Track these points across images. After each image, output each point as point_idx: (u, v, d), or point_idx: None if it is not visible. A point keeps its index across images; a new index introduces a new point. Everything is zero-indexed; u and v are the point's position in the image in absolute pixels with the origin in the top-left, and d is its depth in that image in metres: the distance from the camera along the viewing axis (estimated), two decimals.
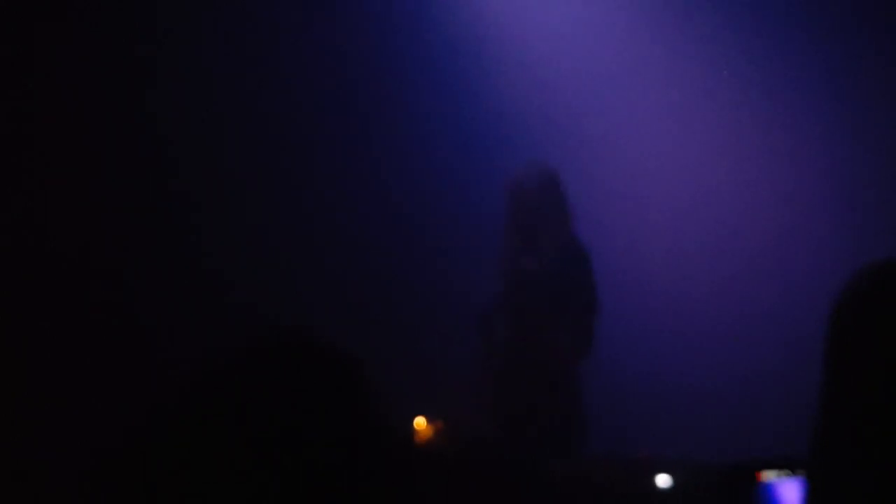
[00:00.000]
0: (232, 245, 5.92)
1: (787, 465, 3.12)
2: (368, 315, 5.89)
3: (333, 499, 1.66)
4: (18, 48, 5.67)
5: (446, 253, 6.08)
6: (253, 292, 5.72)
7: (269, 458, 1.65)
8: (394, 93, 6.25)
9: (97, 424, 4.20)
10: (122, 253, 5.76)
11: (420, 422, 4.78)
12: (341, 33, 6.20)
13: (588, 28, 6.33)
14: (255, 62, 6.09)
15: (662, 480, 4.55)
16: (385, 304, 6.05)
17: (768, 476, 3.90)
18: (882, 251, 2.02)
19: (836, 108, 6.27)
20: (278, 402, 1.69)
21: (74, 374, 5.39)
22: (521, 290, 4.88)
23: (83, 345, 5.49)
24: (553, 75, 6.31)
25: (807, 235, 6.28)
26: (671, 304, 6.25)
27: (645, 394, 6.07)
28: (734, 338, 6.16)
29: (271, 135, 6.11)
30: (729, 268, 6.35)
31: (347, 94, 6.24)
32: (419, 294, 6.11)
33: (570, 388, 4.95)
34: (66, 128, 5.74)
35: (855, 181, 6.29)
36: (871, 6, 6.29)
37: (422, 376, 5.41)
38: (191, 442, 1.67)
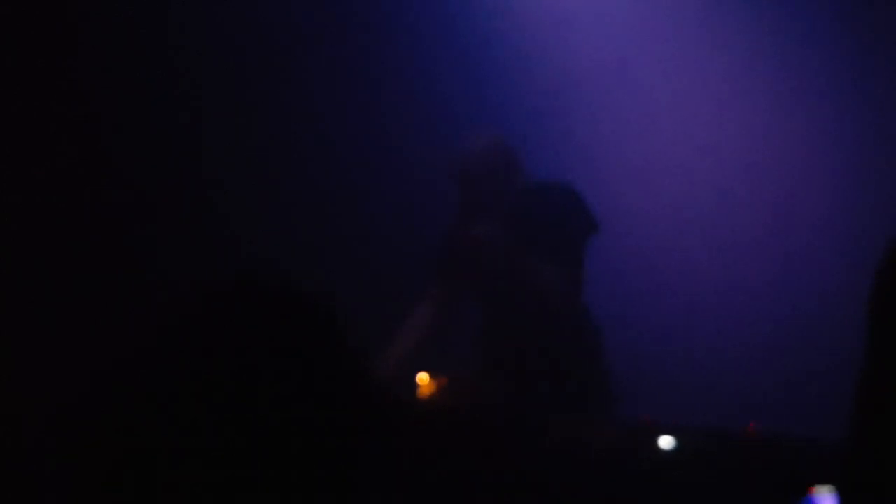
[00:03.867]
0: (222, 187, 5.92)
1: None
2: (373, 270, 5.89)
3: (319, 456, 1.62)
4: None
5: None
6: (247, 242, 5.72)
7: (247, 409, 1.61)
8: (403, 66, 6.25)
9: (65, 371, 4.19)
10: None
11: (422, 377, 4.76)
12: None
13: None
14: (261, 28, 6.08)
15: (666, 442, 4.54)
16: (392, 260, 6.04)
17: (820, 490, 3.90)
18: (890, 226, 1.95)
19: (853, 93, 6.21)
20: (251, 346, 1.64)
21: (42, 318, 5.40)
22: (476, 256, 4.91)
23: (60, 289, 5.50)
24: (563, 33, 6.30)
25: (815, 209, 6.25)
26: (680, 266, 6.23)
27: (650, 359, 6.07)
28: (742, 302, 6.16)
29: (272, 86, 6.10)
30: (740, 232, 6.33)
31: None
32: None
33: (568, 333, 4.96)
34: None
35: (865, 160, 6.25)
36: None
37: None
38: (163, 392, 1.62)
